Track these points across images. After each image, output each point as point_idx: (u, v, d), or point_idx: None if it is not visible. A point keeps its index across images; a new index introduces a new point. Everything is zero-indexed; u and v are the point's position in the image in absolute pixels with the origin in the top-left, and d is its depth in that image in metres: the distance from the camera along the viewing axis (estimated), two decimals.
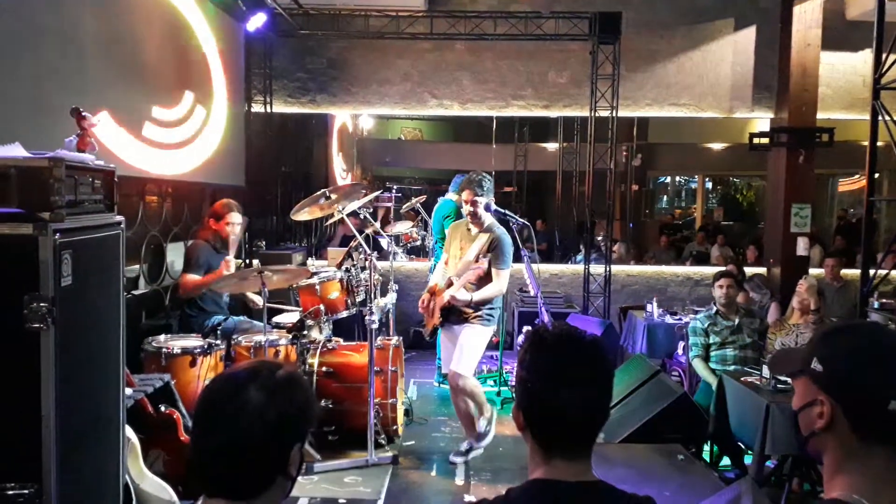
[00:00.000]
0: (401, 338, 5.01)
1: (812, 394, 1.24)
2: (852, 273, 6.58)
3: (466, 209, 4.32)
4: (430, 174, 14.44)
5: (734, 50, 7.56)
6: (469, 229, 4.36)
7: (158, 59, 5.10)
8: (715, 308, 4.85)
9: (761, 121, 8.12)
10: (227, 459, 1.27)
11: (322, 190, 4.94)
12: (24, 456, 2.05)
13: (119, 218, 2.56)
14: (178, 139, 5.38)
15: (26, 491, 2.04)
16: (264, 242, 7.45)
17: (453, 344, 4.42)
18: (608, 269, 7.41)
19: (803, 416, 1.26)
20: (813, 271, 6.94)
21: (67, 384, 2.12)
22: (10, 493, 2.03)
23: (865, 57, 7.34)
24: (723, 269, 5.51)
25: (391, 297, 5.25)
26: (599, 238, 8.30)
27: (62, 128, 2.55)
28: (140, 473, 2.92)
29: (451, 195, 6.21)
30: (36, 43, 3.61)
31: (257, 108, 7.38)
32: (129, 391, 2.96)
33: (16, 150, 2.18)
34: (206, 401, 1.32)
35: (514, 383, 5.63)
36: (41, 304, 2.02)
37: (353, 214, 5.00)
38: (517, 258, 4.46)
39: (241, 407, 1.25)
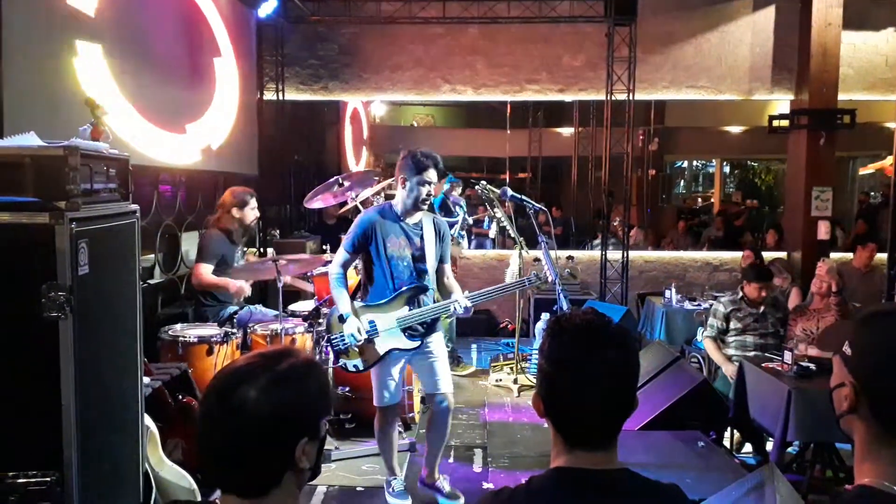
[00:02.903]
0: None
1: (841, 376, 1.23)
2: (876, 257, 6.48)
3: (431, 196, 3.45)
4: (444, 161, 14.37)
5: (753, 30, 7.42)
6: (401, 219, 3.46)
7: (171, 46, 5.08)
8: (741, 294, 4.78)
9: (781, 103, 7.98)
10: (228, 460, 1.24)
11: (335, 177, 4.93)
12: (44, 444, 2.05)
13: (134, 207, 2.55)
14: (190, 127, 5.36)
15: (48, 479, 2.04)
16: (278, 231, 7.45)
17: (401, 364, 3.55)
18: (626, 254, 7.34)
19: (834, 395, 1.25)
20: (834, 255, 6.84)
21: (86, 373, 2.12)
22: (32, 480, 2.04)
23: (888, 36, 7.20)
24: (752, 264, 5.36)
25: None
26: (616, 223, 8.23)
27: (76, 117, 2.54)
28: (159, 461, 2.93)
29: None
30: (49, 32, 3.60)
31: (269, 95, 7.35)
32: (146, 380, 2.97)
33: (31, 140, 2.17)
34: (203, 400, 1.30)
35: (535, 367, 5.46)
36: (59, 293, 2.01)
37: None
38: (534, 243, 4.36)
39: (233, 408, 1.22)
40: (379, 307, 3.44)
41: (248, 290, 4.56)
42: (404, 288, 3.43)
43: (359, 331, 3.38)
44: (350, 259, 3.51)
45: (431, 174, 3.40)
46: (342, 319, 3.40)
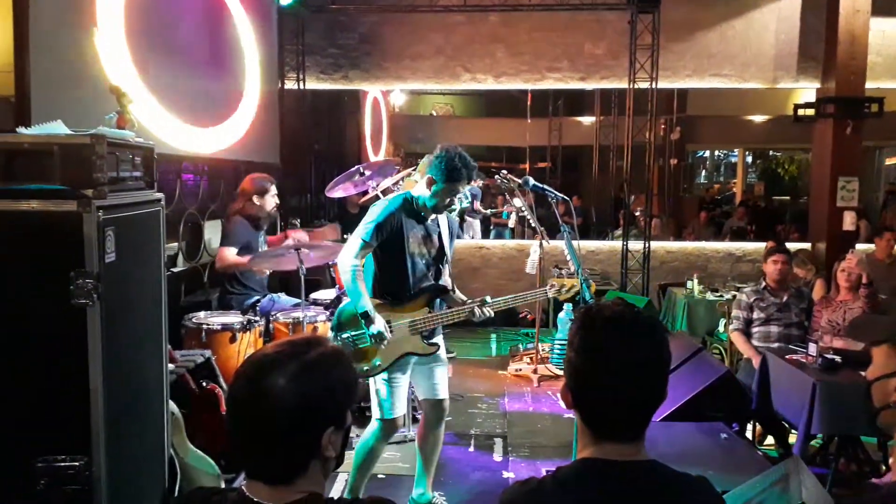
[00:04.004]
0: None
1: (893, 366, 1.20)
2: None
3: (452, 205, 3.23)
4: (462, 149, 14.31)
5: (779, 17, 7.30)
6: (422, 214, 3.20)
7: (195, 35, 5.09)
8: (764, 283, 4.73)
9: (805, 91, 7.86)
10: (255, 447, 1.25)
11: (356, 166, 4.93)
12: (73, 429, 2.08)
13: (159, 195, 2.57)
14: (213, 116, 5.39)
15: (77, 463, 2.07)
16: (299, 220, 7.47)
17: (410, 371, 3.25)
18: (647, 245, 7.28)
19: (879, 386, 1.22)
20: (860, 247, 6.74)
21: (113, 359, 2.14)
22: (62, 465, 2.07)
23: None
24: (772, 245, 5.33)
25: None
26: (637, 213, 8.17)
27: (101, 105, 2.56)
28: (184, 447, 2.96)
29: None
30: (75, 21, 3.63)
31: (290, 84, 7.36)
32: (171, 367, 2.99)
33: (58, 128, 2.19)
34: (232, 387, 1.30)
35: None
36: (87, 281, 2.03)
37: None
38: (554, 233, 4.31)
39: (261, 395, 1.22)
40: (397, 306, 3.16)
41: (266, 268, 4.55)
42: (425, 288, 3.19)
43: (386, 329, 3.07)
44: (368, 250, 3.11)
45: (462, 186, 3.12)
46: (366, 317, 3.05)
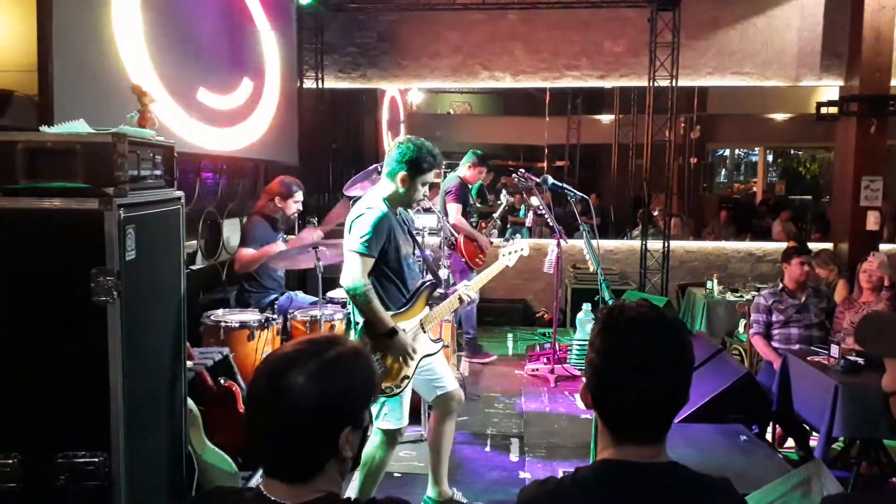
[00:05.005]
0: (452, 313, 4.97)
1: None
2: None
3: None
4: (480, 149, 14.30)
5: (801, 15, 7.20)
6: (397, 213, 3.13)
7: (214, 35, 5.12)
8: (781, 285, 4.67)
9: (827, 89, 7.74)
10: (273, 444, 1.25)
11: (373, 165, 4.94)
12: (93, 425, 2.10)
13: (179, 193, 2.58)
14: (233, 115, 5.42)
15: (96, 459, 2.09)
16: (317, 219, 7.50)
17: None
18: (666, 244, 7.22)
19: None
20: (883, 247, 6.63)
21: (132, 356, 2.16)
22: (81, 460, 2.09)
23: None
24: (793, 245, 5.24)
25: (442, 273, 5.23)
26: (656, 213, 8.10)
27: (123, 104, 2.58)
28: (202, 445, 2.98)
29: (464, 170, 6.15)
30: (97, 21, 3.66)
31: (309, 83, 7.39)
32: (189, 364, 3.01)
33: (81, 127, 2.21)
34: (252, 384, 1.31)
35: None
36: (107, 278, 2.05)
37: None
38: (572, 232, 4.29)
39: (281, 392, 1.23)
40: (404, 313, 3.07)
41: (283, 246, 4.52)
42: (421, 286, 3.14)
43: (411, 345, 2.99)
44: (369, 263, 2.93)
45: (433, 176, 3.07)
46: (392, 335, 2.92)
